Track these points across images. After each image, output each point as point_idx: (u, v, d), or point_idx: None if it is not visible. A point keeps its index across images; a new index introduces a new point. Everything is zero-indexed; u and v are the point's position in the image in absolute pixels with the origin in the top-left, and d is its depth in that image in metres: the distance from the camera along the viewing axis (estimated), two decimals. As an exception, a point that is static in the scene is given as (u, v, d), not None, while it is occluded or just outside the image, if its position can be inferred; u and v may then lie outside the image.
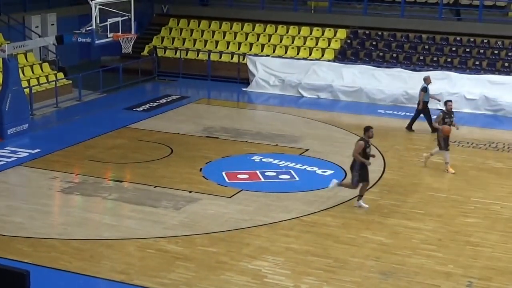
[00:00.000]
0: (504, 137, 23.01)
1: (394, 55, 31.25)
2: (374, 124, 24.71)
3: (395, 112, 26.61)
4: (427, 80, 23.87)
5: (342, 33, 32.78)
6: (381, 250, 13.89)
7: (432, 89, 27.32)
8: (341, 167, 19.17)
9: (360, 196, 16.27)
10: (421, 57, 30.86)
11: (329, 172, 18.85)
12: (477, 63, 29.95)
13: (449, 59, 30.38)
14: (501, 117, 26.32)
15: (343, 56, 31.75)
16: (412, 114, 24.14)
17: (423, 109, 23.62)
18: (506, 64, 29.60)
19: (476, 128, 23.72)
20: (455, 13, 33.03)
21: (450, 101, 19.99)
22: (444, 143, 19.09)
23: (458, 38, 31.22)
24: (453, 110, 19.93)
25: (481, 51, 30.54)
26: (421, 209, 16.11)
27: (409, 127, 23.76)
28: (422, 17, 32.54)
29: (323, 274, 12.84)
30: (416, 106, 23.93)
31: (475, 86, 27.36)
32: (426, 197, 16.98)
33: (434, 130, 23.43)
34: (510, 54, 30.14)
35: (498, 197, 17.20)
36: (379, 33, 32.40)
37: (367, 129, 16.39)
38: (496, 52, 30.36)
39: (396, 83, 28.54)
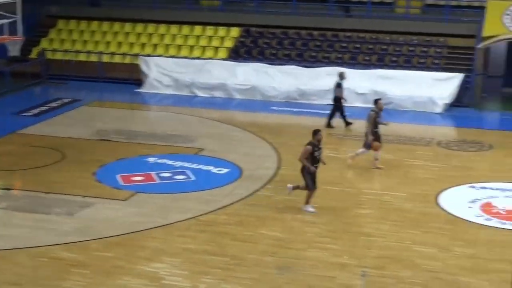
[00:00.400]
0: (393, 130, 23.58)
1: (287, 52, 31.59)
2: (269, 121, 25.12)
3: (289, 109, 26.94)
4: (341, 75, 24.26)
5: (235, 32, 32.89)
6: (277, 246, 14.03)
7: (324, 84, 27.89)
8: (236, 165, 19.25)
9: (306, 202, 16.08)
10: (313, 54, 31.30)
11: (225, 170, 18.90)
12: (366, 58, 30.63)
13: (339, 55, 30.95)
14: (390, 110, 26.98)
15: (236, 54, 31.86)
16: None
17: (337, 104, 24.02)
18: (394, 59, 30.39)
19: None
20: (344, 10, 33.67)
21: (380, 99, 20.00)
22: (368, 143, 19.18)
23: (348, 34, 31.82)
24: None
25: (370, 46, 31.24)
26: (315, 203, 16.34)
27: (328, 124, 24.08)
28: (313, 14, 33.00)
29: (220, 272, 12.87)
30: (332, 102, 24.32)
31: (365, 81, 28.02)
32: (319, 191, 17.21)
33: (348, 124, 23.94)
34: (397, 49, 30.96)
35: (389, 188, 17.65)
36: (272, 31, 32.68)
37: (316, 132, 15.86)
38: (384, 47, 31.12)
39: (289, 80, 28.89)
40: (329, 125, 23.96)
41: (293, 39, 32.21)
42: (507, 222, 15.34)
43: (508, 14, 29.32)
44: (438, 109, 26.90)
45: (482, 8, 30.20)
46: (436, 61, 30.09)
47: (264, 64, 30.00)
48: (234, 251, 13.77)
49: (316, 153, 15.76)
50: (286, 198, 16.70)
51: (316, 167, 15.86)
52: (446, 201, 16.69)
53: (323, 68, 29.34)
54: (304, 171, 15.95)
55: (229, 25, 33.06)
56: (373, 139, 19.02)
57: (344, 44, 31.52)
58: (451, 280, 12.52)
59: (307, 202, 16.04)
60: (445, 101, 27.27)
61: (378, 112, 19.26)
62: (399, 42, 31.27)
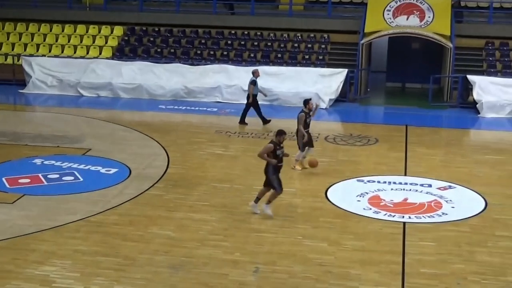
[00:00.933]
0: (281, 126, 23.81)
1: (172, 50, 31.47)
2: (156, 120, 24.93)
3: (176, 107, 26.84)
4: (255, 73, 24.35)
5: (119, 30, 32.51)
6: (169, 245, 13.93)
7: (211, 82, 27.91)
8: (125, 164, 18.99)
9: (268, 201, 15.62)
10: (198, 52, 31.31)
11: (113, 170, 18.61)
12: (252, 55, 30.87)
13: (225, 52, 31.07)
14: (277, 106, 27.35)
15: (121, 53, 31.50)
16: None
17: (253, 102, 24.01)
18: (279, 55, 30.78)
19: (254, 119, 24.39)
20: (228, 7, 33.82)
21: (311, 99, 19.62)
22: (302, 144, 18.87)
23: (233, 32, 32.00)
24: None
25: (255, 43, 31.52)
26: (206, 201, 16.33)
27: (242, 121, 24.10)
28: (197, 12, 33.00)
29: (113, 273, 12.66)
30: (246, 99, 24.32)
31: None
32: (210, 189, 17.25)
33: (265, 122, 23.98)
34: (282, 45, 31.35)
35: (279, 183, 17.82)
36: (156, 29, 32.48)
37: (279, 133, 15.51)
38: (269, 44, 31.46)
39: (175, 78, 28.80)
40: (243, 122, 24.12)
41: (178, 37, 32.13)
42: (394, 214, 15.75)
43: (389, 10, 30.23)
44: (324, 105, 27.40)
45: (364, 4, 31.01)
46: (321, 57, 30.67)
47: (150, 63, 29.78)
48: (126, 251, 13.58)
49: (279, 152, 15.41)
50: (177, 197, 16.62)
51: (280, 166, 15.51)
52: (335, 195, 17.00)
53: (209, 66, 29.39)
54: (269, 172, 15.44)
55: (113, 24, 32.66)
56: (306, 140, 18.76)
57: (229, 42, 31.68)
58: (342, 273, 12.75)
59: (269, 202, 15.54)
60: (331, 96, 27.82)
61: (308, 112, 18.90)
62: (284, 39, 31.68)
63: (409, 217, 15.60)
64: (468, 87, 28.17)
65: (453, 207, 16.32)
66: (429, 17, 30.04)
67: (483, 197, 17.00)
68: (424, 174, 18.79)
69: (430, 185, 17.82)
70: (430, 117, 26.39)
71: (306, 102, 19.11)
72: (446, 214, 15.88)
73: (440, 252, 13.80)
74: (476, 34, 30.68)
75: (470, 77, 28.06)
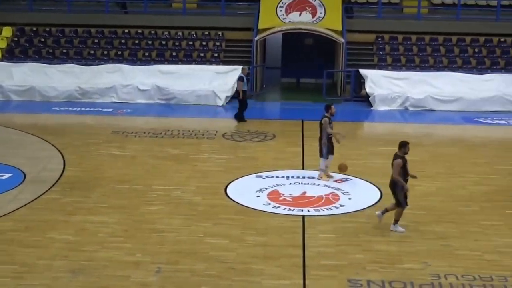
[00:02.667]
0: (178, 124, 23.81)
1: (64, 50, 30.85)
2: (50, 122, 24.35)
3: (70, 109, 26.32)
4: (244, 70, 24.60)
5: (7, 31, 31.62)
6: (68, 249, 13.63)
7: (105, 82, 27.52)
8: (19, 169, 18.46)
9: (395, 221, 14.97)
10: (92, 51, 30.82)
11: (6, 175, 18.04)
12: (146, 54, 30.61)
13: (119, 52, 30.69)
14: (173, 105, 27.22)
15: (11, 54, 30.66)
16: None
17: (243, 98, 24.25)
18: (174, 54, 30.62)
19: (151, 118, 24.21)
20: (121, 6, 33.41)
21: (332, 103, 18.70)
22: (325, 149, 18.02)
23: (126, 31, 31.63)
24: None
25: (149, 42, 31.26)
26: (104, 203, 16.08)
27: (240, 119, 24.35)
28: (90, 11, 32.46)
29: (10, 281, 12.29)
30: (237, 97, 24.67)
31: (147, 77, 28.03)
32: (108, 191, 16.99)
33: (241, 120, 24.12)
34: (177, 43, 31.20)
35: (178, 182, 17.74)
36: (47, 29, 31.75)
37: (404, 144, 14.51)
38: (164, 42, 31.26)
39: (68, 79, 28.25)
40: (241, 119, 24.37)
41: (70, 37, 31.53)
42: (294, 208, 15.92)
43: (281, 7, 30.54)
44: (221, 102, 27.45)
45: (257, 1, 31.21)
46: (216, 55, 30.70)
47: (42, 64, 29.09)
48: (23, 258, 13.20)
49: (406, 165, 14.52)
50: (75, 200, 16.28)
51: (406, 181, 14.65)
52: (235, 192, 17.04)
53: (103, 65, 28.98)
54: (396, 187, 14.56)
55: (1, 24, 31.73)
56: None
57: (123, 41, 31.31)
58: (244, 269, 12.78)
59: (396, 221, 14.77)
60: (227, 93, 27.89)
61: (330, 117, 17.96)
62: (178, 37, 31.55)
63: (308, 211, 15.80)
64: (360, 81, 28.78)
65: (350, 199, 16.64)
66: (321, 13, 30.52)
67: (378, 188, 17.39)
68: (321, 168, 19.05)
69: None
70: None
71: (328, 107, 18.05)
72: (344, 205, 16.17)
73: (339, 243, 14.03)
74: (366, 29, 31.38)
75: (362, 71, 28.68)
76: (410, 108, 27.21)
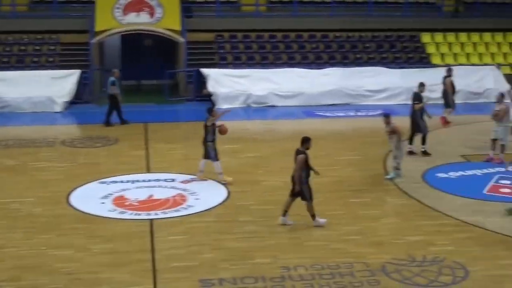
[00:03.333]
0: (14, 134, 22.79)
1: None
2: None
3: None
4: (115, 73, 23.91)
5: None
6: None
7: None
8: None
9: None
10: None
11: None
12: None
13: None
14: (8, 113, 26.06)
15: None
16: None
17: (112, 102, 23.62)
18: (5, 60, 29.39)
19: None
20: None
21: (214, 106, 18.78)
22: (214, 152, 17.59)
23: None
24: None
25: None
26: None
27: (122, 121, 23.95)
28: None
29: None
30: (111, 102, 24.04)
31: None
32: None
33: (123, 122, 23.71)
34: (7, 49, 29.92)
35: (16, 194, 16.88)
36: None
37: (306, 140, 14.62)
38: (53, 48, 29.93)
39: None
40: (108, 124, 23.68)
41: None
42: (141, 212, 15.54)
43: (118, 8, 29.94)
44: (58, 108, 26.55)
45: (92, 3, 30.43)
46: (51, 59, 29.67)
47: None
48: None
49: (308, 160, 14.58)
50: None
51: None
52: (78, 200, 16.41)
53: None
54: (302, 183, 14.54)
55: None
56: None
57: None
58: (92, 278, 12.30)
59: (314, 216, 14.77)
60: (65, 99, 27.03)
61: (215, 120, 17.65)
62: (8, 42, 30.23)
63: (156, 214, 15.48)
64: (202, 80, 28.69)
65: (197, 199, 16.46)
66: (159, 13, 30.18)
67: (225, 186, 17.32)
68: (167, 169, 18.79)
69: (173, 180, 17.84)
70: (168, 112, 26.52)
71: (211, 109, 18.01)
72: (192, 206, 15.97)
73: (190, 244, 13.83)
74: (206, 28, 31.35)
75: (204, 70, 28.63)
76: (253, 105, 27.43)
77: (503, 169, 18.79)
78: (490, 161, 19.57)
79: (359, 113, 26.14)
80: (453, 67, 25.33)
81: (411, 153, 20.20)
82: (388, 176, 18.04)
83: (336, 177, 18.17)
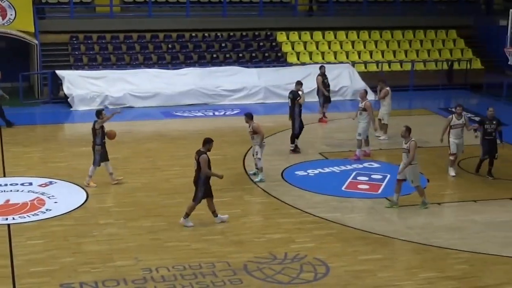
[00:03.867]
0: None
1: None
2: None
3: None
4: None
5: None
6: None
7: None
8: None
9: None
10: None
11: None
12: None
13: None
14: None
15: None
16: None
17: None
18: None
19: None
20: None
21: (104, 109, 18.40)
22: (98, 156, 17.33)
23: None
24: None
25: None
26: None
27: (9, 124, 23.03)
28: None
29: None
30: None
31: None
32: None
33: (9, 125, 22.85)
34: None
35: None
36: None
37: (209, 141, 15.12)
38: None
39: None
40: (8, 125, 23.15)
41: None
42: (-2, 217, 15.33)
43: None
44: None
45: None
46: None
47: None
48: None
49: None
50: None
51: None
52: None
53: None
54: (199, 182, 14.86)
55: None
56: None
57: None
58: None
59: (188, 215, 15.05)
60: None
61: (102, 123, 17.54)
62: None
63: (13, 218, 15.27)
64: (58, 82, 28.25)
65: (56, 202, 16.35)
66: (11, 14, 29.43)
67: (84, 189, 17.26)
68: (24, 173, 18.49)
69: (31, 183, 17.61)
70: (23, 115, 25.89)
71: (99, 112, 17.64)
72: (51, 210, 15.85)
73: (49, 248, 13.74)
74: (60, 29, 30.85)
75: (59, 72, 28.16)
76: (110, 107, 27.26)
77: (360, 166, 19.59)
78: (368, 157, 20.35)
79: (217, 113, 26.56)
80: (323, 65, 25.75)
81: (295, 150, 20.79)
82: (257, 180, 18.19)
83: (196, 177, 18.43)
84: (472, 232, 15.35)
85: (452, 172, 18.75)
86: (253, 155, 18.27)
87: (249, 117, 18.17)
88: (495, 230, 15.35)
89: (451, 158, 18.76)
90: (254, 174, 18.39)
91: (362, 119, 20.32)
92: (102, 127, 17.54)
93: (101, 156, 17.53)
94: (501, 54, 26.08)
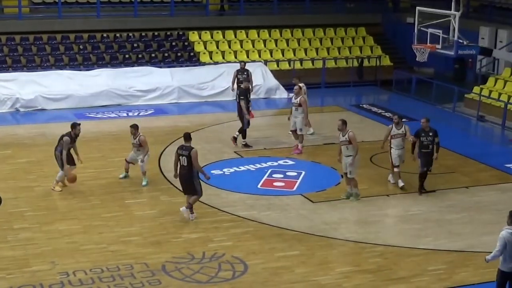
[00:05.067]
0: None
1: None
2: None
3: None
4: None
5: None
6: None
7: None
8: None
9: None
10: None
11: None
12: None
13: None
14: None
15: None
16: None
17: None
18: None
19: None
20: None
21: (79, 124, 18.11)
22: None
23: None
24: None
25: None
26: None
27: None
28: None
29: None
30: None
31: None
32: None
33: None
34: None
35: None
36: None
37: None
38: None
39: None
40: None
41: None
42: None
43: None
44: None
45: None
46: None
47: None
48: None
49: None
50: None
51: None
52: None
53: None
54: (194, 178, 15.35)
55: None
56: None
57: None
58: None
59: (191, 206, 15.61)
60: None
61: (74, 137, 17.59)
62: None
63: None
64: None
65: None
66: None
67: (-3, 194, 16.97)
68: None
69: None
70: None
71: (73, 126, 17.87)
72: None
73: (-39, 256, 13.46)
74: (-33, 31, 30.14)
75: (-33, 75, 27.49)
76: (21, 109, 26.75)
77: (275, 163, 19.80)
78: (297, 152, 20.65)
79: (131, 114, 26.38)
80: (243, 61, 25.77)
81: (246, 145, 21.18)
82: (143, 183, 17.96)
83: (112, 179, 18.32)
84: (386, 226, 15.78)
85: (400, 183, 18.01)
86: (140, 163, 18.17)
87: (134, 128, 18.22)
88: (407, 224, 15.83)
89: (396, 170, 18.08)
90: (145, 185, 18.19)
91: (298, 114, 20.73)
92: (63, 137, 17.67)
93: (68, 159, 17.56)
94: (409, 51, 26.75)
